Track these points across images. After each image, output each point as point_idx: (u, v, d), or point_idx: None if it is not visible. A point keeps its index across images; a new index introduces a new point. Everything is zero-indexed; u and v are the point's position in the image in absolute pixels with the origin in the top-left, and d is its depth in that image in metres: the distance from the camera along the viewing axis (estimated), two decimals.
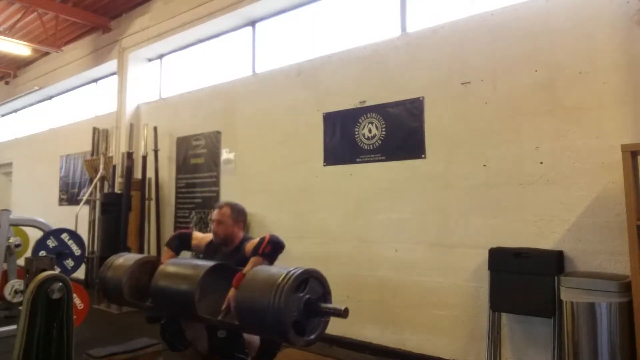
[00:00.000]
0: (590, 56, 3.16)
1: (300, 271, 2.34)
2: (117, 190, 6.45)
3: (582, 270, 3.07)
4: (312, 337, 2.39)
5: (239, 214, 2.99)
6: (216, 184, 5.63)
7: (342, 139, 4.45)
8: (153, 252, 6.16)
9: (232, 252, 2.93)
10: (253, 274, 2.48)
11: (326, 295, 2.46)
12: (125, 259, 3.15)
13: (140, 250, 5.98)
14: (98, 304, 5.87)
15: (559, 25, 3.30)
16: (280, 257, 4.78)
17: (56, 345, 2.27)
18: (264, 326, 2.32)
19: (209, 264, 2.71)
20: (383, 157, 4.15)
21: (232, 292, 2.53)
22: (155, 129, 6.33)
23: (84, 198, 6.98)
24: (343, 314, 2.32)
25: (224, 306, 2.55)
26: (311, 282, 2.39)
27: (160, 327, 2.87)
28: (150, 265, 3.05)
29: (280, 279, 2.30)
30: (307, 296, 2.34)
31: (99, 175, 6.94)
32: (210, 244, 3.10)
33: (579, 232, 3.13)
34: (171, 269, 2.85)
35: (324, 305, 2.40)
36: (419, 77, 3.98)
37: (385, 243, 4.06)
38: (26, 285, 2.37)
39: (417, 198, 3.90)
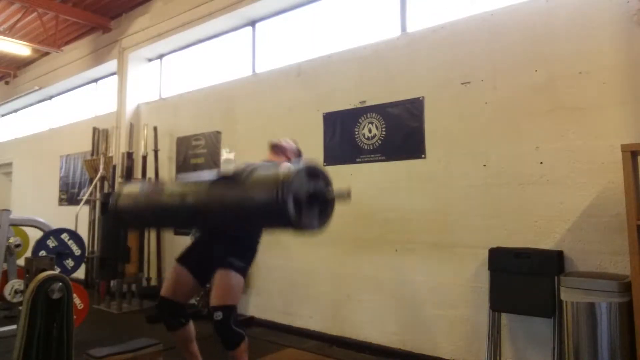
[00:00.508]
0: (590, 56, 3.16)
1: (304, 164, 2.48)
2: None
3: (582, 270, 3.07)
4: (315, 221, 2.48)
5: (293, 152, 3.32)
6: None
7: (342, 139, 4.45)
8: (153, 252, 6.17)
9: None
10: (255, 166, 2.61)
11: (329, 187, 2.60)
12: (135, 186, 3.27)
13: (141, 251, 5.98)
14: (98, 304, 5.88)
15: (559, 25, 3.30)
16: (281, 255, 4.80)
17: (56, 345, 2.28)
18: (267, 211, 2.38)
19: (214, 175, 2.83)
20: (383, 157, 4.15)
21: None
22: (155, 129, 6.33)
23: (84, 198, 6.98)
24: (347, 195, 2.49)
25: None
26: (314, 175, 2.50)
27: (157, 307, 2.89)
28: (159, 188, 3.17)
29: (284, 170, 2.39)
30: (312, 185, 2.44)
31: (99, 175, 6.93)
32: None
33: (579, 232, 3.13)
34: (177, 186, 2.99)
35: (327, 190, 2.53)
36: (419, 77, 3.98)
37: (386, 243, 4.06)
38: (26, 285, 2.38)
39: (417, 198, 3.90)
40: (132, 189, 3.22)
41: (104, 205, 5.97)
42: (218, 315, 2.61)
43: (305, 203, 2.38)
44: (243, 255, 2.79)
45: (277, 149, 3.26)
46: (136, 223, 3.20)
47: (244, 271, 2.78)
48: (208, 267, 2.81)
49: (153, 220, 3.12)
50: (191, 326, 2.89)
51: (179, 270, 2.88)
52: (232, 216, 2.57)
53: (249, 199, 2.44)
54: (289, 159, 3.13)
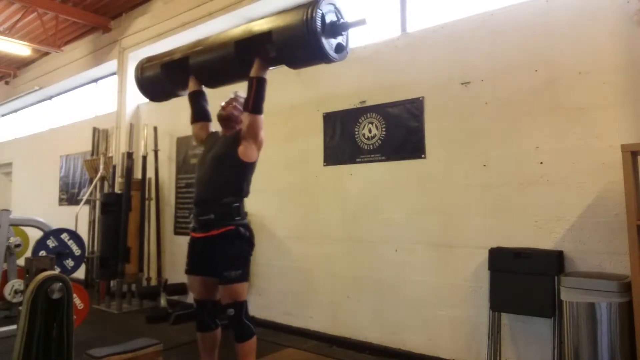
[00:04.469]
0: (590, 56, 3.16)
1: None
2: (117, 190, 6.45)
3: (582, 270, 3.07)
4: (333, 52, 2.73)
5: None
6: None
7: (342, 139, 4.45)
8: (153, 253, 6.17)
9: (229, 138, 3.12)
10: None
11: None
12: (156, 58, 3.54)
13: (141, 251, 5.98)
14: (98, 304, 5.88)
15: (559, 25, 3.30)
16: (281, 255, 4.81)
17: (56, 345, 2.27)
18: (301, 45, 2.67)
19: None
20: (383, 157, 4.15)
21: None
22: (155, 129, 6.32)
23: (84, 198, 6.98)
24: (364, 21, 2.72)
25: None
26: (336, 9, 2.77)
27: (195, 310, 3.01)
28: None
29: (306, 8, 2.61)
30: (330, 21, 2.70)
31: (99, 175, 6.94)
32: (211, 134, 3.36)
33: (579, 232, 3.13)
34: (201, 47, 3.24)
35: (345, 21, 2.75)
36: (419, 77, 3.98)
37: (385, 243, 4.06)
38: (26, 285, 2.38)
39: (417, 198, 3.90)
40: (155, 56, 3.46)
41: (104, 205, 5.98)
42: (231, 312, 2.76)
43: (327, 31, 2.64)
44: (237, 265, 2.82)
45: (227, 122, 3.23)
46: (166, 87, 3.44)
47: (242, 276, 2.83)
48: (212, 264, 2.86)
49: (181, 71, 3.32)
50: (220, 332, 3.02)
51: (193, 279, 3.00)
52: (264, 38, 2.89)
53: (279, 24, 2.77)
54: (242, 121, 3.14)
